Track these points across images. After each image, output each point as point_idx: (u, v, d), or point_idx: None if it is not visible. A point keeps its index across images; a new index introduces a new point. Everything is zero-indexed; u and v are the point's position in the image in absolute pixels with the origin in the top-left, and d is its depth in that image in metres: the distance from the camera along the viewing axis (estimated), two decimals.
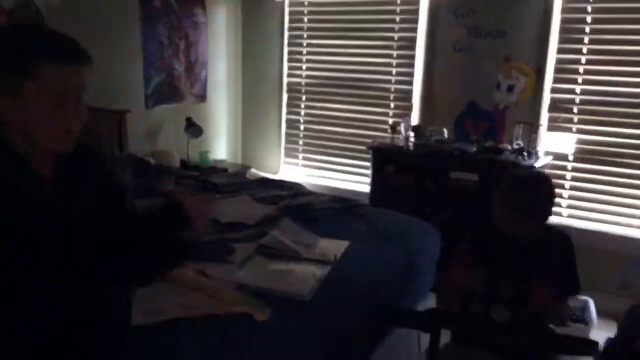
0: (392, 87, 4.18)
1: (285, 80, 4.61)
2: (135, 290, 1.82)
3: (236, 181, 3.31)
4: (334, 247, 2.40)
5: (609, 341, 1.69)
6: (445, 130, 3.73)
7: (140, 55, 3.83)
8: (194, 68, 4.30)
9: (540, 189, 1.96)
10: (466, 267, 1.95)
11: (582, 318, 3.08)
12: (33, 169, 1.20)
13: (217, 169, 3.89)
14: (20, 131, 1.18)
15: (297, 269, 2.17)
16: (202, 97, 4.42)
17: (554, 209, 2.02)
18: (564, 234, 2.10)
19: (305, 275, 2.11)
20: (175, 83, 4.15)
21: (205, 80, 4.42)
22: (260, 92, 4.71)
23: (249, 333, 1.74)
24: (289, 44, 4.54)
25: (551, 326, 2.08)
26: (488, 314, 2.03)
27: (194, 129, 4.00)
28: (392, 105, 4.20)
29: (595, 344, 1.92)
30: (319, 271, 2.16)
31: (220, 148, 4.67)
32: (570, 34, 3.50)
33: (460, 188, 3.52)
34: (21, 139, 1.18)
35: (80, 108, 1.20)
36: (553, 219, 3.54)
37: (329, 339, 1.95)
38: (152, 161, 3.33)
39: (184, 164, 3.91)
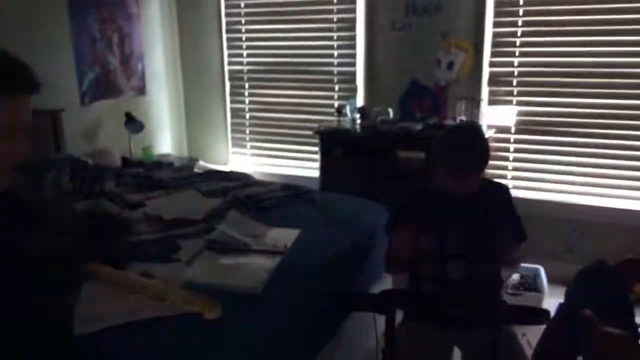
0: (335, 69, 4.14)
1: (226, 68, 4.50)
2: (77, 299, 1.74)
3: (182, 175, 3.22)
4: (285, 236, 2.36)
5: (559, 308, 1.72)
6: (390, 110, 3.73)
7: (71, 50, 3.65)
8: (130, 61, 4.15)
9: (472, 135, 2.01)
10: (410, 230, 1.96)
11: (534, 286, 3.16)
12: None
13: (162, 164, 3.78)
14: None
15: (247, 262, 2.13)
16: (141, 91, 4.27)
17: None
18: (499, 184, 2.20)
19: (255, 268, 2.06)
20: (112, 78, 3.99)
21: (143, 73, 4.27)
22: (202, 81, 4.59)
23: (200, 333, 1.69)
24: (228, 31, 4.43)
25: (503, 297, 2.12)
26: (444, 274, 2.05)
27: (134, 124, 3.86)
28: (336, 88, 4.17)
29: (546, 312, 1.96)
30: (270, 262, 2.12)
31: (165, 142, 4.54)
32: (505, 7, 3.54)
33: (408, 166, 3.53)
34: None
35: (25, 139, 1.12)
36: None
37: (285, 329, 1.92)
38: (90, 161, 3.19)
39: (127, 161, 3.78)
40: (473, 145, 1.99)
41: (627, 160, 3.41)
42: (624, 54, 3.31)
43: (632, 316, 1.62)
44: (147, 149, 3.97)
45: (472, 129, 2.13)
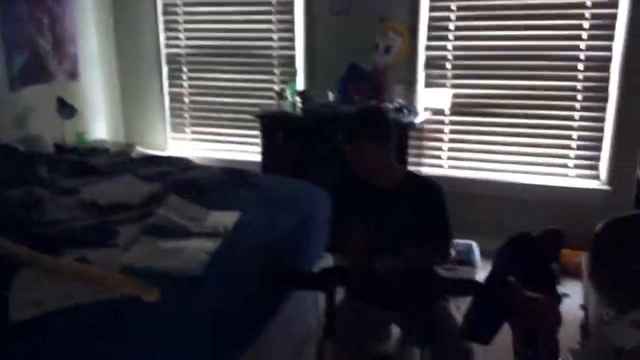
0: (275, 52, 4.14)
1: (164, 51, 4.41)
2: (11, 287, 1.70)
3: (118, 161, 3.15)
4: (225, 218, 2.36)
5: (486, 278, 1.81)
6: (330, 94, 3.77)
7: None
8: (62, 44, 3.99)
9: (371, 110, 2.07)
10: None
11: (467, 260, 3.30)
12: None
13: (97, 150, 3.68)
14: None
15: (186, 245, 2.12)
16: (74, 75, 4.12)
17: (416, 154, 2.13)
18: (434, 183, 2.18)
19: (195, 251, 2.06)
20: (43, 62, 3.84)
21: (76, 57, 4.13)
22: (138, 65, 4.49)
23: (138, 317, 1.68)
24: (165, 13, 4.34)
25: (438, 271, 2.20)
26: (372, 266, 2.10)
27: (66, 109, 3.74)
28: (276, 71, 4.17)
29: (476, 282, 2.06)
30: (210, 244, 2.12)
31: (100, 128, 4.41)
32: None
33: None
34: None
35: None
36: (434, 171, 3.76)
37: (225, 311, 1.94)
38: (22, 148, 3.07)
39: (60, 147, 3.66)
40: (369, 117, 2.08)
41: (553, 139, 3.60)
42: (548, 37, 3.48)
43: (553, 283, 1.74)
44: (80, 135, 3.86)
45: (373, 107, 2.20)
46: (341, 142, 2.07)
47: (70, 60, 4.08)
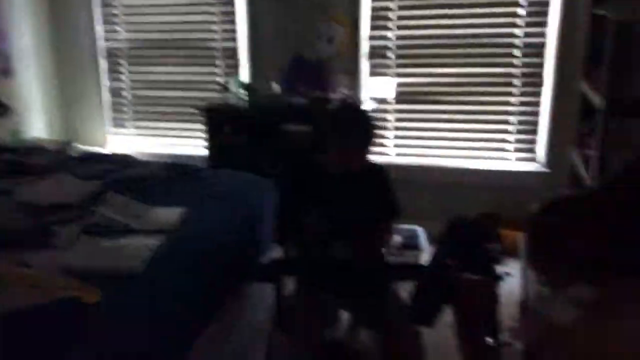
0: (217, 44, 4.08)
1: (101, 45, 4.28)
2: None
3: (56, 160, 3.04)
4: (167, 214, 2.32)
5: (428, 262, 1.86)
6: (274, 85, 3.75)
7: None
8: None
9: (359, 112, 2.08)
10: None
11: (413, 245, 3.36)
12: None
13: (34, 148, 3.53)
14: None
15: (127, 243, 2.07)
16: (6, 72, 3.95)
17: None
18: (377, 164, 2.25)
19: (136, 248, 2.02)
20: None
21: (8, 53, 3.95)
22: (76, 60, 4.34)
23: (79, 319, 1.63)
24: (102, 5, 4.21)
25: (385, 256, 2.24)
26: (329, 253, 2.12)
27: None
28: (219, 63, 4.11)
29: (420, 266, 2.11)
30: (152, 241, 2.08)
31: (37, 126, 4.24)
32: None
33: (295, 141, 3.58)
34: None
35: None
36: (380, 158, 3.81)
37: (171, 308, 1.90)
38: None
39: None
40: (361, 122, 2.06)
41: (492, 124, 3.70)
42: (485, 25, 3.57)
43: (492, 264, 1.80)
44: (15, 133, 3.70)
45: (358, 107, 2.20)
46: (320, 135, 2.06)
47: (2, 57, 3.90)
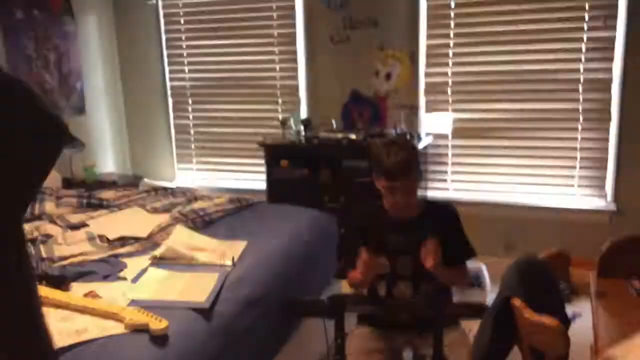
0: (278, 83, 4.20)
1: (168, 84, 4.49)
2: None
3: (125, 194, 3.18)
4: (232, 248, 2.38)
5: (493, 302, 1.81)
6: (333, 121, 3.81)
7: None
8: (68, 80, 4.07)
9: (401, 152, 2.06)
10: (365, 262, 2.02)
11: (478, 283, 3.29)
12: None
13: (105, 182, 3.72)
14: None
15: (194, 276, 2.13)
16: (80, 110, 4.20)
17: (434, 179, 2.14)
18: (446, 204, 2.25)
19: (203, 283, 2.07)
20: (49, 97, 3.91)
21: (82, 92, 4.20)
22: (144, 98, 4.56)
23: (148, 351, 1.68)
24: (168, 47, 4.43)
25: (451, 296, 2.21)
26: (391, 294, 2.11)
27: (73, 143, 3.78)
28: (279, 101, 4.22)
29: (483, 306, 2.06)
30: (218, 275, 2.13)
31: (108, 161, 4.46)
32: (437, 20, 3.70)
33: (352, 175, 3.61)
34: None
35: None
36: (439, 194, 3.78)
37: (234, 341, 1.93)
38: None
39: (68, 181, 3.70)
40: (400, 154, 2.04)
41: (556, 160, 3.61)
42: (547, 61, 3.52)
43: (562, 305, 1.73)
44: (89, 169, 3.90)
45: (400, 139, 2.21)
46: (373, 176, 2.08)
47: (76, 95, 4.15)
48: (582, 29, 3.43)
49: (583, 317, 2.48)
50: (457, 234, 2.18)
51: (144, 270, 2.19)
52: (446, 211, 2.22)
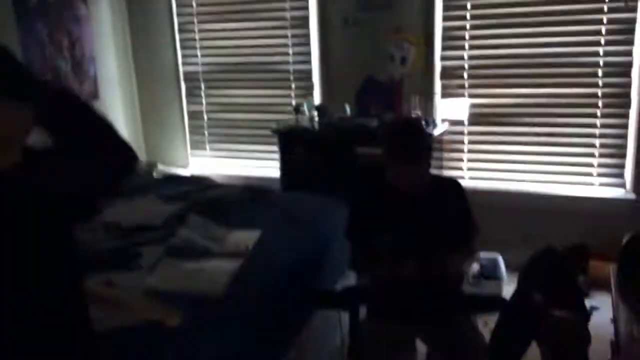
0: (291, 67, 4.15)
1: (181, 69, 4.46)
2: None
3: (139, 182, 3.17)
4: (246, 238, 2.37)
5: (512, 295, 1.79)
6: (347, 107, 3.76)
7: (19, 57, 3.55)
8: (82, 65, 4.06)
9: (411, 129, 2.06)
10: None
11: (493, 274, 3.24)
12: None
13: None
14: None
15: (208, 265, 2.13)
16: (94, 95, 4.18)
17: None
18: (452, 179, 2.22)
19: (217, 271, 2.07)
20: (63, 82, 3.90)
21: (95, 77, 4.19)
22: (157, 83, 4.53)
23: (162, 341, 1.69)
24: (180, 31, 4.38)
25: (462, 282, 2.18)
26: (398, 270, 2.08)
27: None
28: (293, 86, 4.18)
29: (500, 299, 2.04)
30: (232, 265, 2.13)
31: None
32: (453, 1, 3.62)
33: (367, 162, 3.57)
34: None
35: None
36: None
37: (249, 331, 1.93)
38: None
39: None
40: (411, 136, 2.05)
41: (575, 147, 3.54)
42: (566, 44, 3.43)
43: (582, 299, 1.71)
44: None
45: (410, 122, 2.20)
46: (385, 158, 2.06)
47: (90, 81, 4.14)
48: (602, 10, 3.33)
49: (601, 310, 2.43)
50: (464, 209, 2.15)
51: (159, 259, 2.19)
52: (453, 186, 2.20)
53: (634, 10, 3.26)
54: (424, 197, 2.08)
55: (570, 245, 1.72)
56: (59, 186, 1.15)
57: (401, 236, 2.05)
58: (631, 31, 3.29)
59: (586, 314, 1.63)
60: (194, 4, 4.30)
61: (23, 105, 1.07)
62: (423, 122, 3.47)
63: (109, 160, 1.20)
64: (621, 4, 3.27)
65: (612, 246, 2.28)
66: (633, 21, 3.27)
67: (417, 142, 2.04)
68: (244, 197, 2.87)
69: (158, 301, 1.85)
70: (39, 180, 1.14)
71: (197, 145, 4.58)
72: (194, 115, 4.53)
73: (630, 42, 3.31)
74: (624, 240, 2.15)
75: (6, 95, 1.04)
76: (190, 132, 4.56)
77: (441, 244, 2.03)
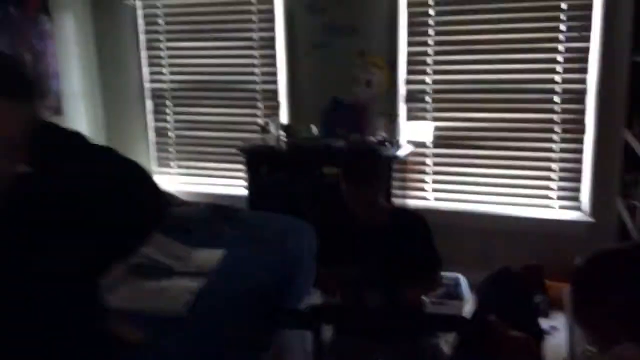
0: (258, 87, 4.18)
1: (147, 86, 4.44)
2: None
3: None
4: (209, 257, 2.37)
5: (471, 315, 1.83)
6: (313, 127, 3.80)
7: None
8: (45, 81, 4.00)
9: (363, 159, 2.15)
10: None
11: (455, 294, 3.29)
12: None
13: None
14: None
15: (170, 285, 2.12)
16: (57, 111, 4.11)
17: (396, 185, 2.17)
18: (415, 214, 2.27)
19: (179, 291, 2.05)
20: None
21: (59, 92, 4.13)
22: (122, 100, 4.49)
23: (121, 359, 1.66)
24: (148, 48, 4.37)
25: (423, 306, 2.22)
26: (362, 301, 2.12)
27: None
28: (259, 105, 4.20)
29: (460, 318, 2.08)
30: (194, 284, 2.12)
31: None
32: (416, 27, 3.72)
33: (333, 182, 3.60)
34: None
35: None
36: (418, 203, 3.80)
37: (211, 351, 1.92)
38: None
39: None
40: (362, 160, 2.15)
41: (534, 171, 3.65)
42: (524, 70, 3.56)
43: (536, 319, 1.76)
44: None
45: (363, 144, 2.31)
46: (340, 179, 2.13)
47: (52, 96, 4.08)
48: (557, 39, 3.47)
49: (561, 330, 2.50)
50: (425, 245, 2.19)
51: (120, 278, 2.16)
52: (416, 220, 2.24)
53: (587, 40, 3.41)
54: (386, 229, 2.12)
55: (525, 265, 1.77)
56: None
57: (365, 267, 2.09)
58: (585, 60, 3.44)
59: (540, 334, 1.67)
60: (161, 21, 4.31)
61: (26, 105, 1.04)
62: (387, 144, 3.55)
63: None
64: (576, 34, 3.42)
65: (569, 268, 2.36)
66: (586, 50, 3.42)
67: (369, 165, 2.12)
68: (209, 215, 2.86)
69: (119, 320, 1.82)
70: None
71: (162, 162, 4.54)
72: (160, 132, 4.50)
73: (584, 71, 3.46)
74: (577, 263, 2.23)
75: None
76: (157, 149, 4.53)
77: (405, 276, 2.07)
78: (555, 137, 3.58)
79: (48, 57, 4.01)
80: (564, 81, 3.51)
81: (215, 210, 2.95)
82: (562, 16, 3.43)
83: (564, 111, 3.54)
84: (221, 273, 2.26)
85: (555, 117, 3.56)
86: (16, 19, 3.74)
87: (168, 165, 4.53)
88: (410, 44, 3.75)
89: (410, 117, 3.82)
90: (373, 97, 3.74)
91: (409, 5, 3.70)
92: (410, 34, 3.73)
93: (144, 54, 4.38)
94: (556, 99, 3.54)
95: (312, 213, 3.16)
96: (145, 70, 4.41)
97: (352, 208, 2.12)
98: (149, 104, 4.46)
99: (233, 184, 4.27)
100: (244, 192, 3.84)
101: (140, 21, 4.32)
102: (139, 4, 4.28)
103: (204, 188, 4.38)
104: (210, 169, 4.42)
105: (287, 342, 2.49)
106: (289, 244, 2.67)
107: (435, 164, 3.85)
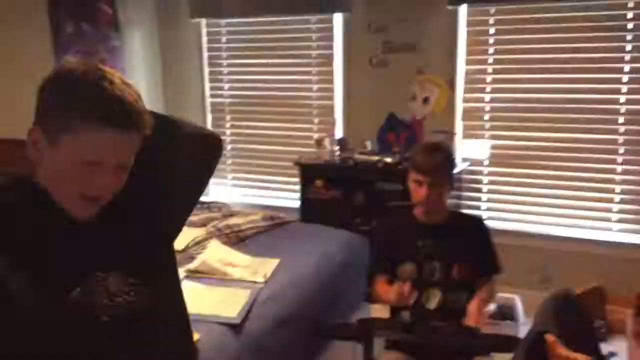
0: (314, 102, 4.25)
1: (208, 100, 4.59)
2: None
3: None
4: (264, 266, 2.41)
5: (526, 336, 1.79)
6: (368, 143, 3.83)
7: None
8: None
9: (437, 151, 2.18)
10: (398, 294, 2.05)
11: (510, 316, 3.22)
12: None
13: None
14: (46, 178, 1.15)
15: (227, 292, 2.17)
16: None
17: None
18: (475, 217, 2.32)
19: (235, 298, 2.10)
20: None
21: None
22: (184, 113, 4.64)
23: None
24: (210, 64, 4.53)
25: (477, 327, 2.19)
26: (421, 302, 2.14)
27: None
28: (315, 120, 4.27)
29: (516, 339, 2.04)
30: (250, 292, 2.16)
31: None
32: (476, 46, 3.70)
33: (386, 198, 3.61)
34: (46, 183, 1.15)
35: (104, 176, 1.11)
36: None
37: (263, 359, 1.96)
38: None
39: None
40: (435, 152, 2.17)
41: (594, 192, 3.54)
42: (587, 90, 3.48)
43: (596, 343, 1.70)
44: None
45: (439, 144, 2.37)
46: (407, 177, 2.17)
47: None
48: (622, 59, 3.38)
49: (620, 356, 2.40)
50: (487, 246, 2.23)
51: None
52: (476, 222, 2.30)
53: None
54: (447, 229, 2.14)
55: (588, 288, 1.73)
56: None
57: (424, 267, 2.11)
58: None
59: (601, 357, 1.62)
60: (224, 39, 4.46)
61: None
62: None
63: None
64: None
65: (630, 292, 2.28)
66: None
67: (441, 158, 2.15)
68: (264, 225, 2.92)
69: None
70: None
71: (219, 173, 4.66)
72: None
73: None
74: None
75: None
76: None
77: (465, 277, 2.08)
78: (618, 158, 3.47)
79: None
80: (629, 102, 3.40)
81: (270, 220, 3.01)
82: (628, 36, 3.34)
83: (628, 132, 3.43)
84: (275, 282, 2.29)
85: (618, 138, 3.45)
86: (88, 34, 3.95)
87: (225, 177, 4.64)
88: (469, 62, 3.73)
89: (467, 135, 3.79)
90: (430, 114, 3.74)
91: (469, 24, 3.69)
92: (470, 52, 3.71)
93: (206, 70, 4.53)
94: (620, 119, 3.43)
95: (367, 225, 3.20)
96: (207, 85, 4.56)
97: (417, 202, 2.14)
98: (209, 118, 4.60)
99: (287, 197, 4.34)
100: (297, 204, 3.89)
101: (204, 40, 4.48)
102: (203, 22, 4.45)
103: (258, 200, 4.47)
104: (265, 181, 4.51)
105: (336, 356, 2.50)
106: (342, 256, 2.69)
107: (491, 182, 3.80)
